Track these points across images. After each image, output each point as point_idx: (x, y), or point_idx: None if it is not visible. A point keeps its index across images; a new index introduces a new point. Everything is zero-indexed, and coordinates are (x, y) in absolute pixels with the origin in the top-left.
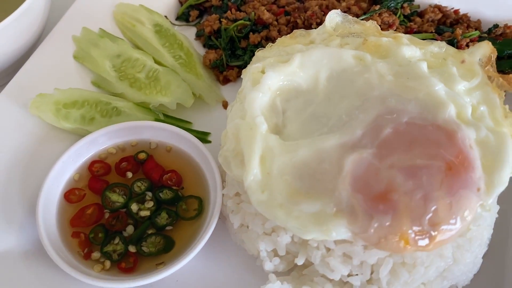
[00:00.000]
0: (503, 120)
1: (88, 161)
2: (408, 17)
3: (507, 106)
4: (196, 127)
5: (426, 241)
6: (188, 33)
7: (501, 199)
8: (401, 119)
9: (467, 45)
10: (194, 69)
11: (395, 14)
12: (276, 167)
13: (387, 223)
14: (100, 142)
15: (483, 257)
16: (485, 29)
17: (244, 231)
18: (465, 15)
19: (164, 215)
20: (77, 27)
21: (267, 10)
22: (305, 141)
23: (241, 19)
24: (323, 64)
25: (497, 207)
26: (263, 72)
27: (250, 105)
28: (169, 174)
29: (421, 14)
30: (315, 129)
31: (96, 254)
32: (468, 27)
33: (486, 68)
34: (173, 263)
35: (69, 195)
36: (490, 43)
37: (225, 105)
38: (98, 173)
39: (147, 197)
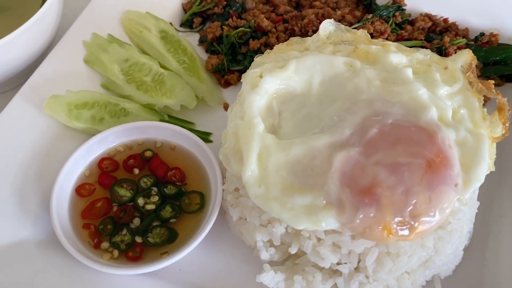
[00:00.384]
0: (482, 122)
1: (97, 158)
2: (399, 25)
3: (485, 109)
4: (199, 127)
5: (407, 231)
6: (191, 39)
7: (483, 197)
8: (386, 121)
9: (455, 52)
10: (197, 73)
11: (387, 22)
12: (272, 164)
13: (372, 214)
14: (109, 140)
15: (466, 250)
16: (472, 37)
17: (242, 223)
18: (453, 23)
19: (168, 208)
20: (87, 33)
21: (266, 18)
22: (298, 140)
23: (241, 26)
24: (316, 69)
25: (477, 203)
26: (261, 76)
27: (249, 107)
28: (173, 171)
29: (412, 22)
30: (308, 129)
31: (105, 244)
32: (456, 35)
33: (467, 74)
34: (176, 253)
35: (80, 190)
36: (471, 51)
37: (226, 107)
38: (107, 170)
39: (153, 192)
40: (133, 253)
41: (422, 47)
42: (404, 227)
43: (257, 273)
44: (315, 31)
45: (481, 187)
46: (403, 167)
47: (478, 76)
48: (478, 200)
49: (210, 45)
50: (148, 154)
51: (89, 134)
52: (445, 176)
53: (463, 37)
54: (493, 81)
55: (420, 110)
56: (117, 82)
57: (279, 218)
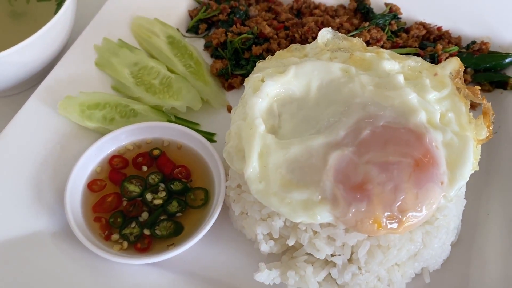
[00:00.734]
0: (468, 125)
1: (108, 156)
2: (395, 33)
3: (471, 113)
4: (203, 128)
5: (396, 225)
6: (197, 44)
7: (471, 195)
8: (378, 123)
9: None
10: (202, 76)
11: (383, 30)
12: (272, 162)
13: (363, 209)
14: (119, 139)
15: (454, 246)
16: (464, 45)
17: (244, 218)
18: (447, 31)
19: (174, 203)
20: (98, 38)
21: (268, 25)
22: (296, 140)
23: (245, 33)
24: (314, 75)
25: (464, 201)
26: (262, 81)
27: (251, 109)
28: (179, 168)
29: (407, 30)
30: (306, 130)
31: (115, 236)
32: (449, 42)
33: (455, 81)
34: (182, 245)
35: (92, 185)
36: (459, 59)
37: (229, 109)
38: (117, 167)
39: (160, 188)
40: (142, 245)
41: (416, 54)
42: (393, 221)
43: (257, 265)
44: (314, 38)
45: (469, 187)
46: (393, 165)
47: (470, 82)
48: (467, 198)
49: (214, 50)
50: (156, 152)
51: (101, 133)
52: (431, 175)
53: (456, 45)
54: (479, 87)
55: (410, 114)
56: (127, 84)
57: (278, 212)
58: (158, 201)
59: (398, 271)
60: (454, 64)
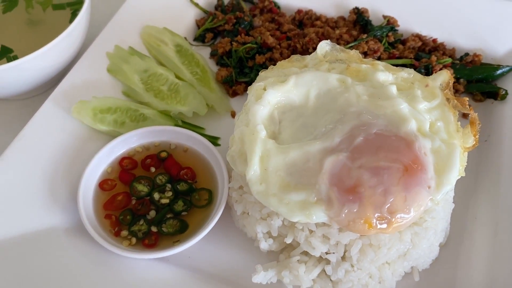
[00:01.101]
0: (455, 134)
1: (119, 158)
2: (392, 44)
3: (459, 123)
4: (208, 132)
5: (385, 225)
6: (203, 53)
7: (460, 200)
8: (371, 130)
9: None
10: (208, 83)
11: (381, 42)
12: (272, 165)
13: (355, 210)
14: (129, 142)
15: (443, 247)
16: (458, 56)
17: (245, 217)
18: (441, 43)
19: (180, 203)
20: (110, 45)
21: (271, 35)
22: (295, 145)
23: (249, 43)
24: (313, 84)
25: (452, 205)
26: (264, 89)
27: (253, 115)
28: (185, 170)
29: (403, 42)
30: (304, 136)
31: (124, 232)
32: (443, 54)
33: (445, 92)
34: (187, 242)
35: (103, 185)
36: (449, 71)
37: (233, 114)
38: (127, 168)
39: (167, 188)
40: (149, 241)
41: (411, 65)
42: (383, 222)
43: (256, 261)
44: (315, 48)
45: (459, 192)
46: (384, 170)
47: (463, 92)
48: (456, 203)
49: (220, 58)
50: (163, 154)
51: (112, 136)
52: (419, 179)
53: (450, 57)
54: (467, 98)
55: (401, 122)
56: (137, 90)
57: (277, 212)
58: (165, 201)
59: (388, 269)
60: (444, 76)
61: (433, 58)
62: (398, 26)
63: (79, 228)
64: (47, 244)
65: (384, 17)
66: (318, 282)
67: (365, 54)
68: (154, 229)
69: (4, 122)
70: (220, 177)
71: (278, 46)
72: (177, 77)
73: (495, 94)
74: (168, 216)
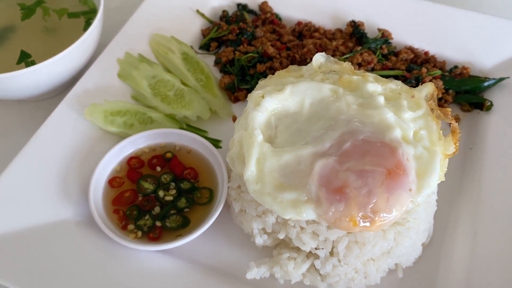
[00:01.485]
0: (437, 142)
1: (127, 157)
2: (385, 56)
3: (441, 131)
4: (211, 135)
5: (368, 223)
6: (208, 60)
7: (444, 203)
8: (358, 137)
9: (431, 81)
10: (211, 89)
11: (375, 54)
12: (267, 166)
13: (341, 209)
14: (137, 143)
15: (426, 247)
16: (448, 68)
17: (242, 214)
18: (433, 56)
19: (183, 200)
20: (121, 52)
21: (272, 46)
22: (289, 149)
23: (251, 52)
24: (308, 93)
25: (435, 208)
26: (263, 97)
27: (251, 121)
28: (188, 170)
29: (396, 54)
30: (297, 141)
31: (131, 226)
32: (434, 66)
33: (429, 102)
34: (188, 236)
35: (112, 182)
36: (433, 84)
37: (234, 119)
38: (134, 166)
39: (171, 186)
40: (153, 234)
41: (403, 76)
42: (366, 220)
43: (252, 255)
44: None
45: (443, 195)
46: (368, 173)
47: (451, 102)
48: (440, 205)
49: (223, 66)
50: (168, 155)
51: (121, 137)
52: (401, 182)
53: (440, 69)
54: (449, 109)
55: (387, 130)
56: (145, 95)
57: (271, 210)
58: (169, 198)
59: (373, 265)
60: (429, 88)
61: (424, 70)
62: (392, 39)
63: (89, 221)
64: (60, 235)
65: (379, 30)
66: (307, 276)
67: (360, 65)
68: (158, 223)
69: (21, 121)
70: (220, 177)
71: (278, 56)
72: (183, 83)
73: (481, 105)
74: (172, 212)
